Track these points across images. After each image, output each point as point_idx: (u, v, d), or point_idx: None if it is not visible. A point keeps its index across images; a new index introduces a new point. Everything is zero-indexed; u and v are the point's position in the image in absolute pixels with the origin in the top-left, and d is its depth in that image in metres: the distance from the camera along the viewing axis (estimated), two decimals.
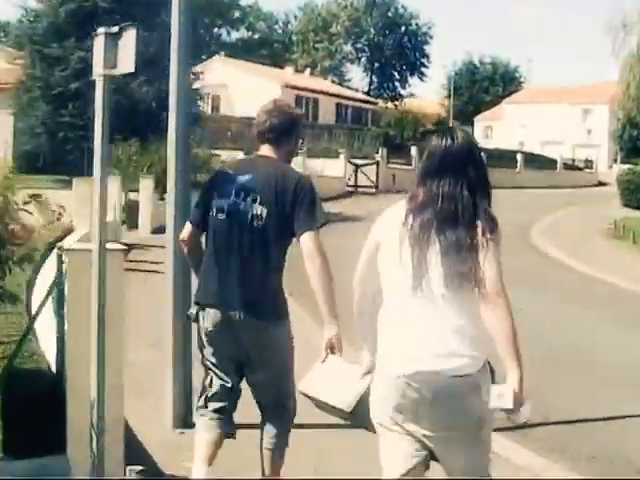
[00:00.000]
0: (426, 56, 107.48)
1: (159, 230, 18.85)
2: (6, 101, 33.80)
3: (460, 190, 4.09)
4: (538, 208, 39.28)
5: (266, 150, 5.43)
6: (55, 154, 32.75)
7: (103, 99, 4.83)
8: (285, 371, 5.41)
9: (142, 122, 30.34)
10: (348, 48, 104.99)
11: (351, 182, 47.88)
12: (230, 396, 5.48)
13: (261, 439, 5.48)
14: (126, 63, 4.70)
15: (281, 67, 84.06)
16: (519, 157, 64.48)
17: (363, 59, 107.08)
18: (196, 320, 5.40)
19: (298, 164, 39.69)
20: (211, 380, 5.48)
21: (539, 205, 41.91)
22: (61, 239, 9.12)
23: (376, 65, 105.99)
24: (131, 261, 18.58)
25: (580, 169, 74.63)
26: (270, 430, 5.46)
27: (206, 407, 5.50)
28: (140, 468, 3.78)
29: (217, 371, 5.43)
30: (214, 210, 5.31)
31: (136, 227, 24.10)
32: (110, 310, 4.93)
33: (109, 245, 5.09)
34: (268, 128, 5.39)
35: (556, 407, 8.77)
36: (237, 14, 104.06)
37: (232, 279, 5.21)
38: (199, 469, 5.38)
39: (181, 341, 7.20)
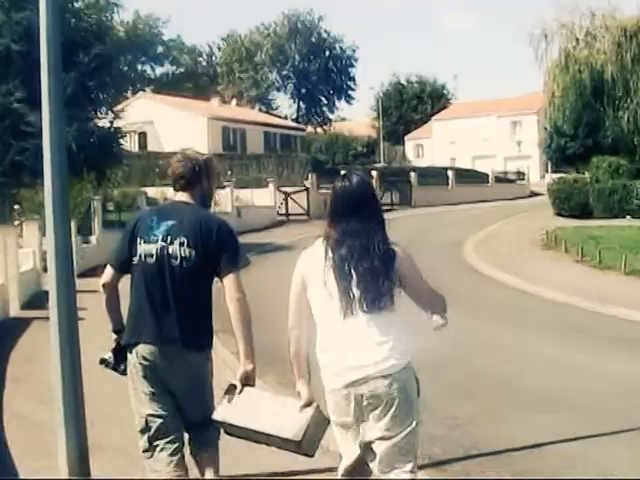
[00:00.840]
0: (352, 79, 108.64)
1: (84, 274, 18.44)
2: None
3: (366, 225, 4.87)
4: (471, 223, 39.30)
5: (182, 196, 5.82)
6: None
7: None
8: (210, 394, 5.75)
9: None
10: (273, 76, 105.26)
11: (282, 210, 47.83)
12: (174, 428, 5.68)
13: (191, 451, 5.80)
14: None
15: (207, 99, 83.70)
16: (450, 173, 64.69)
17: (289, 86, 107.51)
18: (114, 366, 5.84)
19: (227, 196, 39.76)
20: (146, 420, 5.64)
21: (472, 220, 41.97)
22: None
23: (303, 91, 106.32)
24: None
25: (512, 181, 74.97)
26: (203, 440, 5.73)
27: (151, 448, 5.67)
28: None
29: (155, 405, 5.63)
30: (142, 255, 5.63)
31: None
32: None
33: None
34: (177, 177, 5.79)
35: (476, 437, 8.46)
36: (160, 49, 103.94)
37: (169, 316, 5.52)
38: None
39: (72, 397, 6.70)
